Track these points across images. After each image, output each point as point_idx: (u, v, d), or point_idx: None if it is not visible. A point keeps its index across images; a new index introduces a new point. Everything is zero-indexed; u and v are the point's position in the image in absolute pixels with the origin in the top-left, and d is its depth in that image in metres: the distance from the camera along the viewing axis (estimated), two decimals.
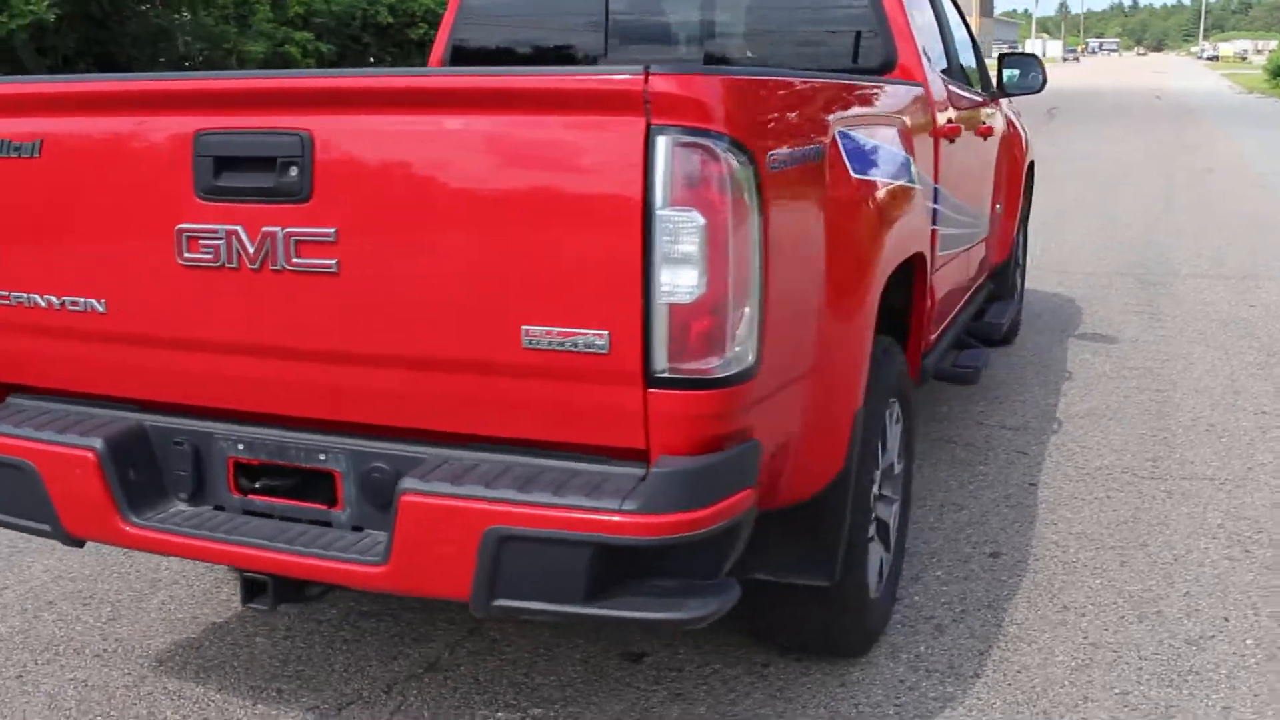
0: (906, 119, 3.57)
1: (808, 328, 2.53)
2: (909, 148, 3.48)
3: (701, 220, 2.13)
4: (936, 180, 4.02)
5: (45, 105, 2.57)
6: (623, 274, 2.16)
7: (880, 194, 2.93)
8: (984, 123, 5.25)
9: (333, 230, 2.33)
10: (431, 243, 2.30)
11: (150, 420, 2.62)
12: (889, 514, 3.37)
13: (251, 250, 2.39)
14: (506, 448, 2.35)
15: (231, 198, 2.39)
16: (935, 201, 4.02)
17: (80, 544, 2.68)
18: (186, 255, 2.44)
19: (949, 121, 4.21)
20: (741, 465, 2.27)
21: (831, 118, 2.71)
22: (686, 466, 2.19)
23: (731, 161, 2.15)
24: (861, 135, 2.92)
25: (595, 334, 2.20)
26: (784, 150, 2.33)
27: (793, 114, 2.47)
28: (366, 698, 3.08)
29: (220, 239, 2.41)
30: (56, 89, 2.59)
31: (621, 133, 2.14)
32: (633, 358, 2.18)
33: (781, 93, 2.46)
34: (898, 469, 3.40)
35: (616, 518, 2.15)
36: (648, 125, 2.12)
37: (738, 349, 2.22)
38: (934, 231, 4.04)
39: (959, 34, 5.62)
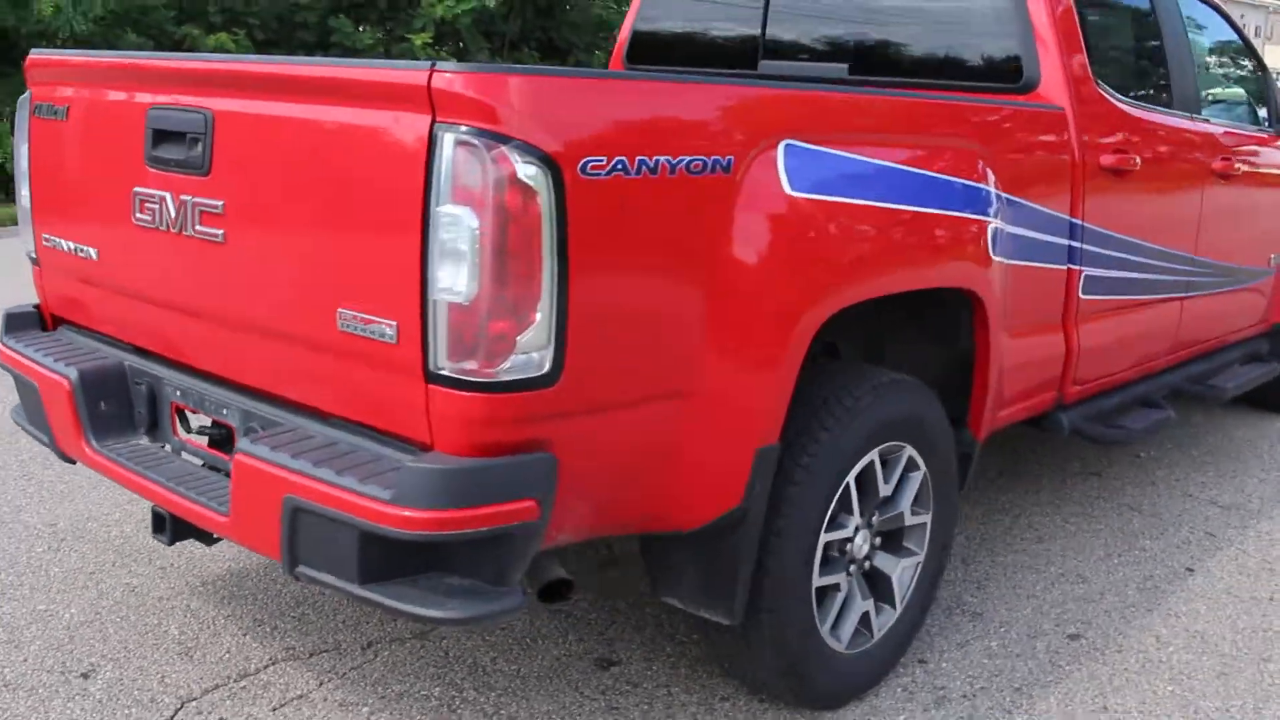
0: (997, 142, 3.22)
1: (667, 348, 2.39)
2: (990, 174, 3.14)
3: (476, 222, 2.10)
4: (1080, 216, 3.59)
5: (74, 75, 2.96)
6: (406, 268, 2.17)
7: (848, 216, 2.68)
8: (1241, 161, 4.56)
9: (221, 203, 2.52)
10: (277, 221, 2.44)
11: (129, 360, 2.94)
12: (893, 566, 3.08)
13: (173, 215, 2.64)
14: (341, 423, 2.44)
15: (163, 167, 2.64)
16: (1076, 239, 3.59)
17: (71, 461, 3.07)
18: (138, 216, 2.73)
19: (1120, 153, 3.71)
20: (518, 475, 2.20)
21: (769, 129, 2.53)
22: (442, 466, 2.18)
23: (516, 164, 2.10)
24: (839, 151, 2.69)
25: (387, 324, 2.24)
26: (617, 158, 2.22)
27: (651, 121, 2.33)
28: (342, 649, 3.28)
29: (156, 203, 2.68)
30: (80, 62, 2.97)
31: (409, 128, 2.15)
32: (414, 352, 2.20)
33: (627, 98, 2.33)
34: (910, 520, 3.10)
35: (374, 505, 2.18)
36: (433, 122, 2.12)
37: (524, 356, 2.17)
38: (1072, 271, 3.62)
39: (1213, 59, 4.95)
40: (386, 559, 2.27)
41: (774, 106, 2.60)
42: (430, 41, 9.83)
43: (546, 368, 2.19)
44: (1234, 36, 4.93)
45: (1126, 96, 3.89)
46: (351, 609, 3.49)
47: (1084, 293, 3.73)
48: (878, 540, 3.07)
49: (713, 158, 2.41)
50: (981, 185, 3.13)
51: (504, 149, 2.09)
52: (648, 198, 2.30)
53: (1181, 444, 5.30)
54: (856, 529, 2.96)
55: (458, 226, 2.11)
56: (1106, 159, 3.69)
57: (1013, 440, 4.79)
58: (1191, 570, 3.96)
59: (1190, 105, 4.32)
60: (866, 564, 3.05)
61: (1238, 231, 4.74)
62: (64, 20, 8.74)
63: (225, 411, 2.69)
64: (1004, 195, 3.23)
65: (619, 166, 2.23)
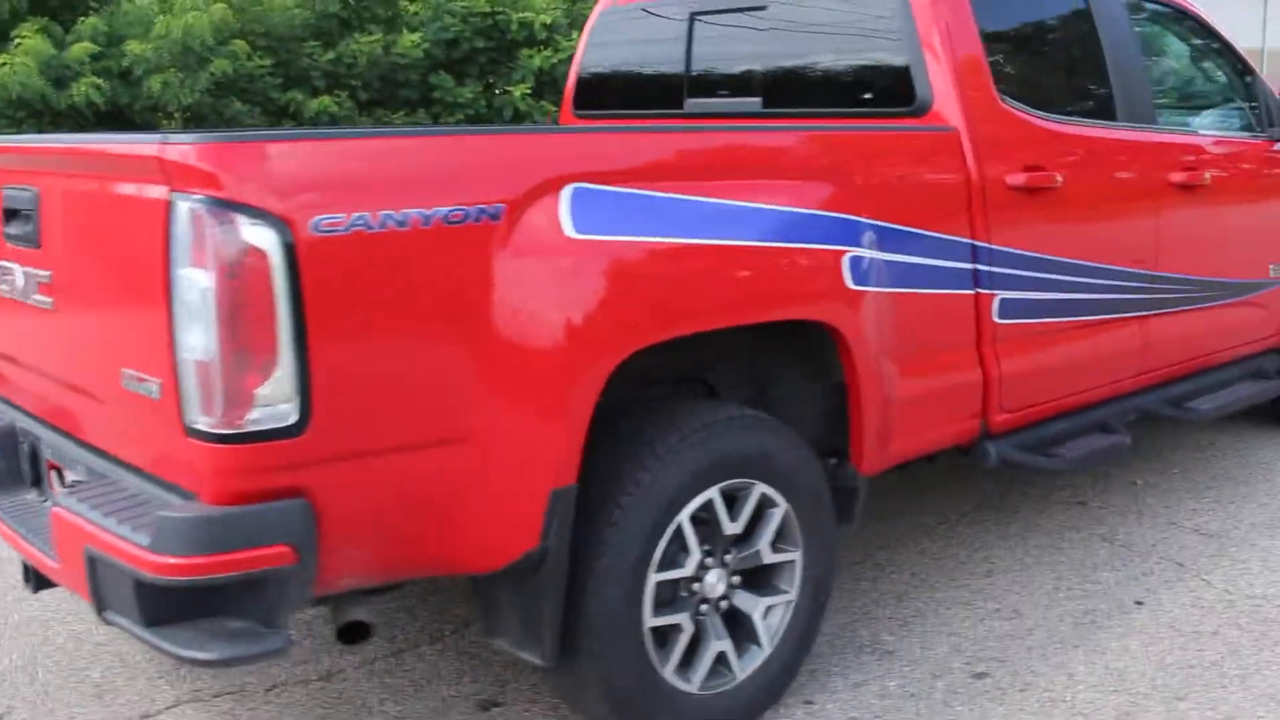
0: (863, 170, 3.19)
1: (431, 396, 2.45)
2: (854, 202, 3.12)
3: (210, 283, 2.21)
4: (985, 238, 3.50)
5: None
6: (161, 329, 2.31)
7: (644, 256, 2.69)
8: (1217, 170, 4.37)
9: (49, 273, 2.71)
10: (84, 287, 2.61)
11: (19, 420, 3.16)
12: (756, 605, 3.06)
13: (21, 284, 2.84)
14: (148, 476, 2.58)
15: (13, 241, 2.86)
16: (982, 263, 3.51)
17: None
18: (2, 287, 2.96)
19: (1035, 170, 3.62)
20: (267, 521, 2.29)
21: (549, 175, 2.58)
22: (192, 514, 2.28)
23: (243, 226, 2.20)
24: (639, 190, 2.72)
25: (154, 381, 2.37)
26: (356, 214, 2.30)
27: (395, 176, 2.40)
28: (246, 690, 3.40)
29: (11, 275, 2.89)
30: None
31: (151, 197, 2.29)
32: (174, 407, 2.32)
33: (363, 156, 2.40)
34: (771, 558, 3.07)
35: (137, 552, 2.30)
36: (170, 191, 2.25)
37: (269, 408, 2.27)
38: (982, 296, 3.54)
39: (1187, 66, 4.75)
40: (168, 603, 2.39)
41: (553, 152, 2.65)
42: (529, 92, 10.07)
43: (293, 419, 2.28)
44: (1212, 40, 4.71)
45: (1046, 111, 3.78)
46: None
47: (1001, 317, 3.63)
48: (736, 579, 3.05)
49: (476, 207, 2.47)
50: (837, 214, 3.09)
51: (231, 213, 2.20)
52: (398, 250, 2.37)
53: (1189, 469, 5.05)
54: (706, 568, 2.95)
55: (195, 289, 2.23)
56: (1015, 178, 3.59)
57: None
58: (1141, 603, 3.78)
59: (1141, 115, 4.15)
60: (724, 603, 3.03)
61: (1221, 244, 4.52)
62: (171, 94, 9.25)
63: (80, 468, 2.87)
64: (873, 223, 3.19)
65: (359, 222, 2.32)
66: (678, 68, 4.27)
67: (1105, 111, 4.09)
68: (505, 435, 2.53)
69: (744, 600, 3.06)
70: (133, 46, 8.25)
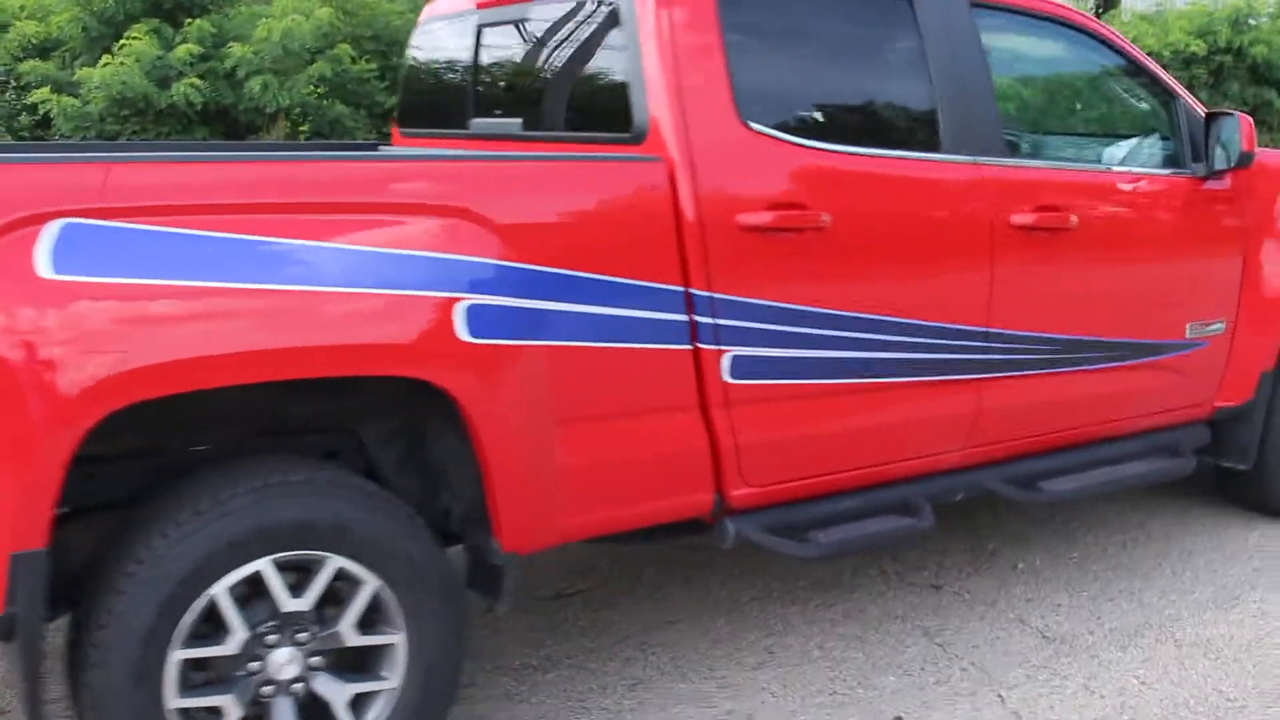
0: (499, 204, 2.80)
1: None
2: (480, 242, 2.74)
3: None
4: (707, 286, 3.06)
5: None
6: None
7: (144, 298, 2.38)
8: (1093, 212, 3.75)
9: None
10: None
11: None
12: (339, 692, 2.72)
13: None
14: None
15: None
16: (705, 314, 3.06)
17: None
18: None
19: (790, 208, 3.14)
20: None
21: (19, 209, 2.32)
22: None
23: None
24: (145, 226, 2.42)
25: None
26: None
27: None
28: None
29: None
30: None
31: None
32: None
33: None
34: (359, 640, 2.72)
35: None
36: None
37: None
38: (705, 352, 3.09)
39: (1086, 89, 4.12)
40: None
41: (37, 181, 2.39)
42: None
43: None
44: (1118, 59, 4.02)
45: (820, 139, 3.28)
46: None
47: (735, 377, 3.16)
48: (318, 660, 2.71)
49: None
50: (447, 255, 2.71)
51: None
52: None
53: (1091, 554, 4.35)
54: (268, 646, 2.63)
55: None
56: (755, 217, 3.12)
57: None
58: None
59: (981, 146, 3.56)
60: (298, 686, 2.70)
61: (1104, 297, 3.86)
62: (270, 95, 9.46)
63: None
64: (516, 266, 2.80)
65: None
66: (466, 85, 3.93)
67: (919, 140, 3.53)
68: None
69: (326, 685, 2.72)
70: (236, 49, 8.45)
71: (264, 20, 8.61)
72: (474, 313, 2.73)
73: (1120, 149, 4.10)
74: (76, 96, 8.35)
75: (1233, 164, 3.94)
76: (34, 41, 8.84)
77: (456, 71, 3.97)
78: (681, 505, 3.20)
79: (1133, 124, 4.19)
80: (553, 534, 2.99)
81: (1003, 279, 3.59)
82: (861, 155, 3.36)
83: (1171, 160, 4.09)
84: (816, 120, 3.37)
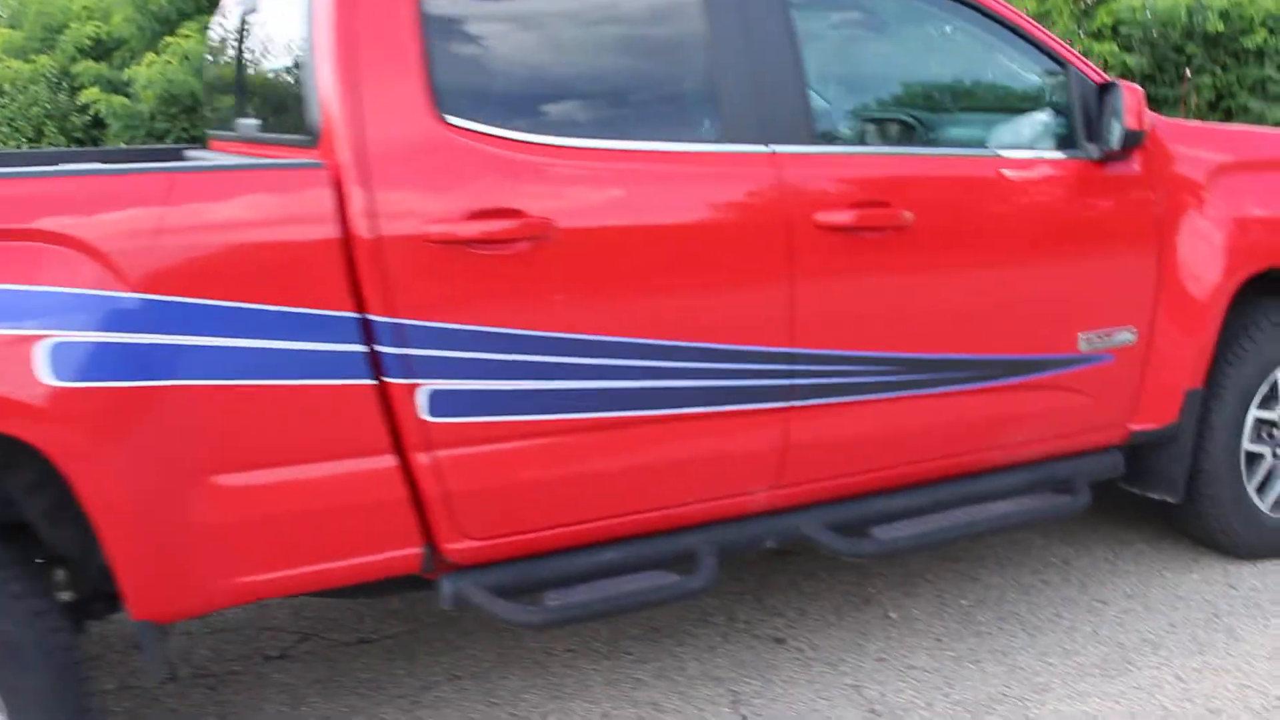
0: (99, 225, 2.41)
1: None
2: (68, 270, 2.37)
3: None
4: (390, 312, 2.62)
5: None
6: None
7: None
8: (910, 206, 3.14)
9: None
10: None
11: None
12: None
13: None
14: None
15: None
16: (387, 343, 2.63)
17: None
18: None
19: (507, 217, 2.68)
20: None
21: None
22: None
23: None
24: None
25: None
26: None
27: None
28: None
29: None
30: None
31: None
32: None
33: None
34: None
35: None
36: None
37: None
38: (392, 386, 2.67)
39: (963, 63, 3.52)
40: None
41: None
42: None
43: None
44: (991, 23, 3.37)
45: (556, 136, 2.80)
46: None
47: (436, 414, 2.71)
48: None
49: None
50: (17, 286, 2.34)
51: None
52: None
53: (985, 601, 3.74)
54: None
55: None
56: (452, 227, 2.66)
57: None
58: None
59: (779, 132, 3.00)
60: None
61: (962, 306, 3.25)
62: None
63: None
64: (114, 296, 2.40)
65: None
66: (233, 82, 3.54)
67: (689, 128, 3.01)
68: None
69: None
70: None
71: None
72: (61, 351, 2.37)
73: (993, 130, 3.46)
74: (129, 96, 8.28)
75: (1115, 145, 3.27)
76: (90, 41, 8.80)
77: (230, 66, 3.59)
78: (385, 562, 2.77)
79: (1012, 100, 3.53)
80: (201, 599, 2.61)
81: (809, 289, 3.03)
82: (605, 150, 2.85)
83: (1064, 141, 3.43)
84: (543, 111, 2.87)
